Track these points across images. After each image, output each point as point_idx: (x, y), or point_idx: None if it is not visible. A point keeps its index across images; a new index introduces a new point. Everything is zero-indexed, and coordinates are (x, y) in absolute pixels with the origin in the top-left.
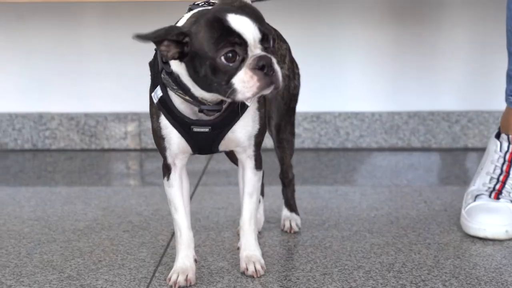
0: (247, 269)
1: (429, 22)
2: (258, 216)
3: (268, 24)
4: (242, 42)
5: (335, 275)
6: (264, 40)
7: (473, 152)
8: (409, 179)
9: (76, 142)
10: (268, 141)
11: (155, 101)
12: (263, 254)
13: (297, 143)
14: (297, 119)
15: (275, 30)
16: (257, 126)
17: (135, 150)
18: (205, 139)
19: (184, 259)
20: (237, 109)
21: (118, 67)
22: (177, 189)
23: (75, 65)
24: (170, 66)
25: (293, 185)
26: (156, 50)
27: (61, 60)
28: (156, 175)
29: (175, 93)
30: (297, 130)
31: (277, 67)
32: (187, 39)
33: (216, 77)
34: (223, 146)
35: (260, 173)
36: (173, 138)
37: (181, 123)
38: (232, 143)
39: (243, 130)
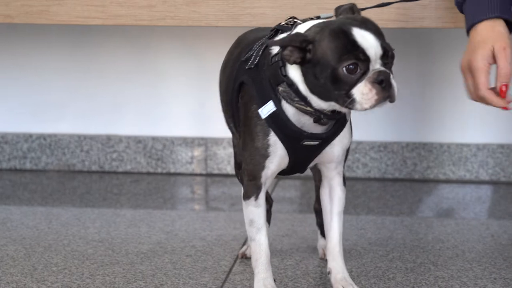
0: None
1: None
2: None
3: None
4: (364, 57)
5: None
6: (384, 56)
7: None
8: (476, 212)
9: (143, 165)
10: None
11: (263, 116)
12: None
13: (363, 172)
14: (364, 148)
15: None
16: (350, 139)
17: (200, 175)
18: (307, 155)
19: (265, 281)
20: (343, 121)
21: (186, 92)
22: (263, 209)
23: (144, 88)
24: (291, 78)
25: None
26: (252, 67)
27: (130, 84)
28: (221, 200)
29: (293, 105)
30: (364, 160)
31: (393, 82)
32: (310, 46)
33: (336, 86)
34: (314, 162)
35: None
36: (278, 156)
37: (293, 138)
38: (327, 158)
39: (340, 144)
